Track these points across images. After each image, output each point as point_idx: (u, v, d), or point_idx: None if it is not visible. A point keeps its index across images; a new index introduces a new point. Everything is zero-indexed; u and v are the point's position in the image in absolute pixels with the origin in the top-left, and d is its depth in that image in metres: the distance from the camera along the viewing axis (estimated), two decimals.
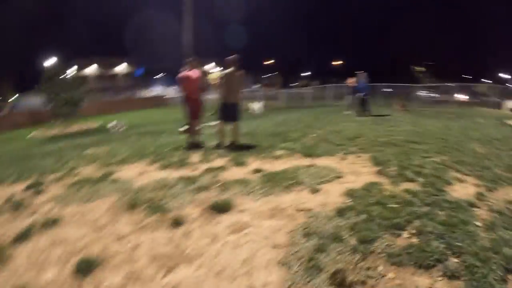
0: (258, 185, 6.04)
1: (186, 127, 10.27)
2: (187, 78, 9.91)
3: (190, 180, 6.48)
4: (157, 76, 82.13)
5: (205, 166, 7.63)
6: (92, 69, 73.42)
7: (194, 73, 9.98)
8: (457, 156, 8.59)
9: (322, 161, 7.80)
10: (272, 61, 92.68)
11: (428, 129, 13.02)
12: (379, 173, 6.89)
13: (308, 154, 8.45)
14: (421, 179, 6.38)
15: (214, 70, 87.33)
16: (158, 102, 55.38)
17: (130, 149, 10.21)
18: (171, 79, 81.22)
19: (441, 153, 8.88)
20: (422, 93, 39.02)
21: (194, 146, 9.68)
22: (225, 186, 6.09)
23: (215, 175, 6.83)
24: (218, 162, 7.94)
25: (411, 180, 6.35)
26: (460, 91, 36.47)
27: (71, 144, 14.85)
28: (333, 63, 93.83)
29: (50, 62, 43.53)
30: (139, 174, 7.26)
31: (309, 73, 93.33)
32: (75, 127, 30.44)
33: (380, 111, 20.58)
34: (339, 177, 6.57)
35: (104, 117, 40.84)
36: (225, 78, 9.52)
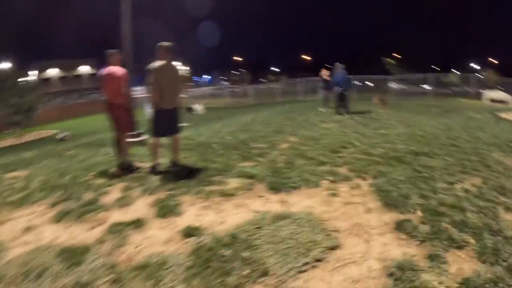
0: (182, 281, 3.09)
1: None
2: (109, 76, 6.94)
3: (74, 255, 3.65)
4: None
5: (115, 216, 4.72)
6: (54, 72, 68.79)
7: (117, 70, 6.98)
8: (490, 176, 5.99)
9: (300, 203, 4.83)
10: (240, 57, 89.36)
11: (428, 131, 10.33)
12: (399, 228, 3.99)
13: (278, 185, 5.47)
14: (473, 242, 3.70)
15: (181, 68, 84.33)
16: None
17: (46, 176, 7.11)
18: (138, 78, 78.18)
19: (467, 172, 6.24)
20: (394, 85, 37.06)
21: (125, 169, 6.83)
22: (122, 279, 3.17)
23: (117, 244, 3.88)
24: (138, 208, 4.97)
25: (459, 246, 3.61)
26: (431, 82, 34.38)
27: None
28: (303, 57, 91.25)
29: (3, 66, 40.15)
30: (23, 231, 4.45)
31: (278, 68, 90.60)
32: (30, 135, 27.35)
33: (358, 107, 17.84)
34: (334, 248, 3.58)
35: (64, 123, 38.01)
36: (155, 75, 6.51)
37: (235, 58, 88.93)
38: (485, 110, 18.89)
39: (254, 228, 3.96)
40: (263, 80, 75.13)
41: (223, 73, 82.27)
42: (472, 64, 65.74)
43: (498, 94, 27.81)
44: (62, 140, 19.94)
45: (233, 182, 5.74)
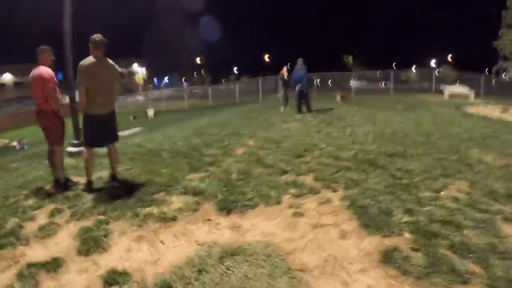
0: None
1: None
2: (36, 78, 5.70)
3: None
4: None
5: (33, 252, 3.69)
6: (7, 77, 65.08)
7: (44, 71, 5.73)
8: (477, 179, 5.27)
9: (257, 228, 3.82)
10: (202, 58, 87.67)
11: (397, 128, 9.58)
12: (386, 260, 3.08)
13: (229, 204, 4.42)
14: (481, 272, 2.90)
15: (139, 70, 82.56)
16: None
17: None
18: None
19: (450, 175, 5.46)
20: (354, 83, 36.81)
21: (60, 187, 5.70)
22: None
23: None
24: (60, 240, 3.93)
25: (465, 280, 2.79)
26: (390, 79, 34.32)
27: None
28: (264, 57, 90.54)
29: None
30: None
31: (240, 68, 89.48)
32: None
33: (320, 104, 17.04)
34: None
35: (21, 130, 35.73)
36: (83, 74, 5.38)
37: (196, 59, 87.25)
38: (449, 105, 18.51)
39: (194, 272, 2.91)
40: (225, 81, 73.94)
41: (184, 74, 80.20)
42: (432, 61, 66.81)
43: (459, 89, 27.71)
44: (21, 149, 18.90)
45: (177, 201, 4.69)
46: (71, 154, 8.08)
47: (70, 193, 5.37)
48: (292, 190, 4.80)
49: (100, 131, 5.66)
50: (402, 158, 6.24)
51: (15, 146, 20.63)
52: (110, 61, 5.72)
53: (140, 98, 47.60)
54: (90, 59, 5.39)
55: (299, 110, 13.77)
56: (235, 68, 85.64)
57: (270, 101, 23.37)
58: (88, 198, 5.12)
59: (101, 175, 6.05)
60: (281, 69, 17.05)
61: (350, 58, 72.15)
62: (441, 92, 28.52)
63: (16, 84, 65.68)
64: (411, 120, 11.19)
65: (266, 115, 14.17)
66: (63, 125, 5.99)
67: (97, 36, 5.47)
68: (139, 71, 78.23)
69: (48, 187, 5.70)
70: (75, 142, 8.44)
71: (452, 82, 33.36)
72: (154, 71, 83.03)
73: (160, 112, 30.97)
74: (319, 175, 5.40)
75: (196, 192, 4.93)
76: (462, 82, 30.46)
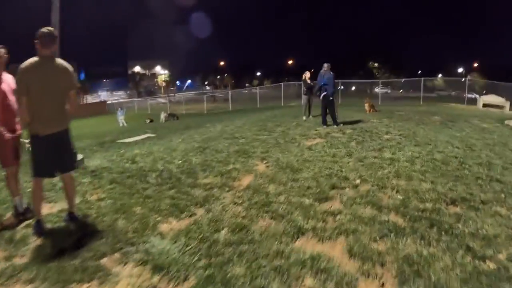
0: None
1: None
2: None
3: None
4: (104, 80, 74.62)
5: None
6: None
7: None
8: None
9: None
10: (225, 62, 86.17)
11: (447, 152, 7.45)
12: None
13: None
14: None
15: (162, 72, 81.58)
16: (99, 109, 48.34)
17: None
18: (116, 83, 75.80)
19: None
20: (379, 90, 34.51)
21: (19, 215, 4.52)
22: None
23: None
24: None
25: None
26: (418, 87, 32.00)
27: None
28: (288, 61, 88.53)
29: None
30: None
31: (263, 72, 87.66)
32: None
33: (346, 114, 14.99)
34: None
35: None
36: (21, 80, 3.90)
37: (219, 62, 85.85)
38: (487, 116, 16.15)
39: None
40: (248, 85, 72.34)
41: (206, 78, 79.01)
42: (459, 69, 63.91)
43: (494, 99, 25.18)
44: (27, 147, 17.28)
45: (124, 282, 2.87)
46: None
47: (19, 233, 4.11)
48: (310, 281, 2.83)
49: (48, 156, 4.02)
50: (473, 211, 4.20)
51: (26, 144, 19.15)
52: (62, 62, 3.98)
53: (162, 100, 46.16)
54: (33, 60, 3.81)
55: (324, 122, 11.72)
56: (258, 73, 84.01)
57: (292, 109, 21.39)
58: (31, 246, 3.79)
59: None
60: (304, 73, 15.09)
61: (375, 65, 69.41)
62: (473, 101, 26.14)
63: None
64: (458, 139, 9.03)
65: (285, 126, 12.22)
66: (8, 142, 4.30)
67: (46, 29, 3.80)
68: (162, 73, 77.22)
69: (8, 215, 4.60)
70: None
71: (481, 90, 31.02)
72: (177, 73, 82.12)
73: (180, 116, 29.31)
74: (354, 244, 3.41)
75: (158, 267, 3.09)
76: (493, 91, 27.83)
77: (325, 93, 11.68)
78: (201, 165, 7.00)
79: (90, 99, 64.60)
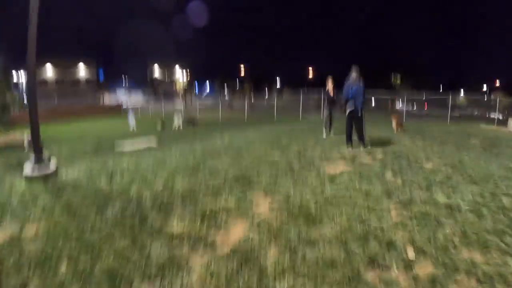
0: None
1: None
2: None
3: None
4: (123, 82, 73.72)
5: None
6: (49, 72, 64.30)
7: None
8: None
9: None
10: (245, 69, 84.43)
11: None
12: None
13: None
14: None
15: (181, 76, 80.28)
16: (115, 110, 47.05)
17: None
18: (133, 84, 74.94)
19: None
20: (402, 106, 32.22)
21: None
22: None
23: None
24: None
25: None
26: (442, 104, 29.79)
27: None
28: (308, 70, 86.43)
29: None
30: None
31: (282, 81, 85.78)
32: (2, 139, 23.73)
33: (372, 131, 12.95)
34: None
35: (42, 127, 33.82)
36: None
37: (239, 69, 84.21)
38: None
39: None
40: (266, 93, 70.51)
41: (226, 84, 77.46)
42: (483, 86, 61.07)
43: None
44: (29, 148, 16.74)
45: None
46: (30, 179, 6.34)
47: None
48: None
49: None
50: None
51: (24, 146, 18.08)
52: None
53: (179, 106, 44.58)
54: None
55: (349, 142, 9.66)
56: (277, 81, 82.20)
57: (311, 123, 19.41)
58: None
59: None
60: (326, 79, 13.01)
61: (399, 78, 66.42)
62: (500, 122, 23.84)
63: (58, 80, 65.00)
64: None
65: (302, 144, 10.28)
66: None
67: None
68: (180, 77, 75.93)
69: None
70: (34, 162, 6.69)
71: (504, 110, 28.82)
72: (196, 79, 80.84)
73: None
74: None
75: None
76: None
77: (352, 108, 9.53)
78: (183, 196, 5.14)
79: (108, 100, 63.59)
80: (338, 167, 7.04)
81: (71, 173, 7.20)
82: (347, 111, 9.68)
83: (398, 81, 65.28)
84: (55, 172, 6.91)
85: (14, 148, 18.55)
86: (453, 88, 56.30)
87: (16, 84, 67.63)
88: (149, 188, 5.59)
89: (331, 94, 12.50)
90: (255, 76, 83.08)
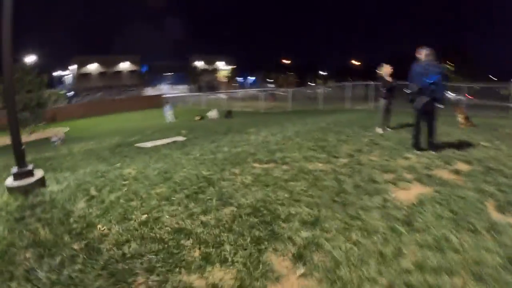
0: None
1: None
2: None
3: None
4: (166, 74, 72.94)
5: None
6: (93, 67, 64.49)
7: None
8: None
9: None
10: (289, 59, 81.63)
11: None
12: None
13: None
14: None
15: (224, 67, 78.60)
16: (158, 102, 46.08)
17: None
18: (177, 77, 73.97)
19: None
20: (450, 95, 28.54)
21: None
22: None
23: None
24: None
25: None
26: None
27: None
28: (352, 62, 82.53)
29: (29, 60, 35.87)
30: None
31: (327, 72, 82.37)
32: (39, 134, 23.81)
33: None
34: None
35: (83, 121, 33.65)
36: None
37: (283, 60, 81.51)
38: None
39: None
40: (311, 84, 67.65)
41: (270, 75, 75.16)
42: None
43: None
44: (54, 144, 16.78)
45: None
46: (11, 190, 5.47)
47: None
48: None
49: None
50: None
51: (54, 142, 17.43)
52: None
53: (221, 96, 42.87)
54: None
55: (417, 144, 7.16)
56: (321, 71, 78.89)
57: (359, 114, 16.88)
58: None
59: None
60: (380, 65, 10.58)
61: (450, 66, 61.11)
62: None
63: (100, 74, 65.10)
64: None
65: (353, 144, 8.05)
66: None
67: None
68: (223, 68, 74.27)
69: None
70: (18, 171, 5.77)
71: None
72: (240, 69, 78.96)
73: (234, 114, 25.56)
74: None
75: None
76: None
77: (427, 100, 6.79)
78: (156, 250, 3.19)
79: (151, 91, 63.01)
80: (410, 189, 4.74)
81: (61, 183, 6.10)
82: (420, 104, 6.93)
83: (449, 70, 60.10)
84: (40, 182, 5.87)
85: (45, 144, 17.61)
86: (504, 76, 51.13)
87: (60, 80, 68.94)
88: (125, 220, 3.86)
89: (390, 80, 10.10)
90: (299, 66, 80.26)
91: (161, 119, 25.72)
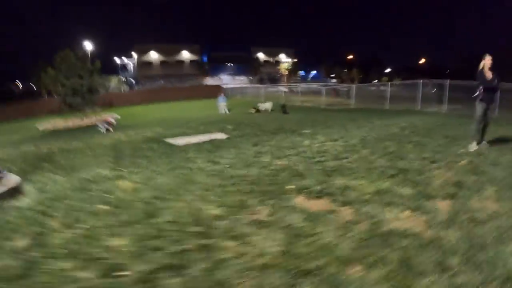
0: None
1: None
2: None
3: None
4: (228, 65, 71.39)
5: None
6: (155, 56, 64.26)
7: None
8: None
9: None
10: (353, 55, 77.10)
11: None
12: None
13: None
14: None
15: (285, 60, 75.70)
16: (217, 92, 44.83)
17: None
18: (238, 68, 72.22)
19: None
20: None
21: None
22: None
23: None
24: None
25: None
26: None
27: None
28: (420, 60, 76.53)
29: (88, 47, 35.72)
30: None
31: (391, 69, 76.96)
32: (90, 120, 23.09)
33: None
34: None
35: (138, 107, 32.94)
36: None
37: (347, 55, 77.22)
38: None
39: None
40: (376, 81, 63.36)
41: (332, 70, 71.57)
42: None
43: None
44: (107, 130, 15.92)
45: None
46: None
47: None
48: None
49: None
50: None
51: (100, 128, 16.35)
52: None
53: (282, 89, 40.44)
54: None
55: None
56: (387, 69, 73.76)
57: (436, 118, 13.77)
58: None
59: None
60: (481, 59, 7.58)
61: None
62: None
63: (161, 62, 64.75)
64: None
65: (445, 167, 5.49)
66: None
67: None
68: (285, 60, 71.45)
69: None
70: None
71: None
72: (302, 63, 75.77)
73: (292, 108, 23.17)
74: None
75: None
76: None
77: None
78: None
79: (211, 81, 61.74)
80: None
81: (44, 192, 4.90)
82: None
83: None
84: (12, 192, 4.62)
85: (94, 129, 16.63)
86: None
87: (124, 66, 69.63)
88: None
89: (490, 78, 7.25)
90: (363, 61, 75.66)
91: (215, 110, 23.95)
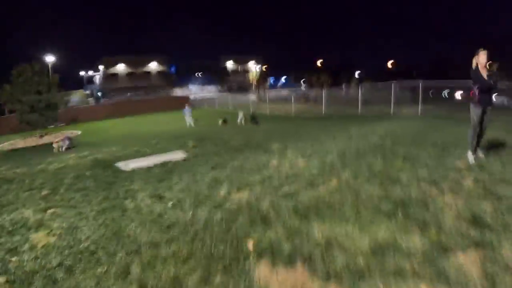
0: None
1: None
2: None
3: None
4: (197, 75, 69.60)
5: None
6: (121, 67, 61.84)
7: None
8: None
9: None
10: (322, 59, 76.60)
11: None
12: None
13: None
14: None
15: (254, 68, 74.37)
16: (185, 103, 43.22)
17: None
18: (207, 78, 70.50)
19: None
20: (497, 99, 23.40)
21: None
22: None
23: None
24: None
25: None
26: None
27: None
28: (388, 63, 76.77)
29: (49, 59, 33.55)
30: None
31: (360, 73, 76.83)
32: (50, 137, 21.41)
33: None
34: None
35: (101, 123, 30.95)
36: None
37: (316, 60, 76.67)
38: None
39: None
40: (346, 85, 62.99)
41: (302, 76, 70.80)
42: None
43: None
44: (66, 148, 14.54)
45: None
46: None
47: None
48: None
49: None
50: None
51: (54, 147, 14.61)
52: None
53: (251, 97, 39.19)
54: None
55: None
56: (356, 73, 73.45)
57: (416, 123, 12.58)
58: None
59: None
60: (476, 54, 6.21)
61: (495, 66, 54.79)
62: None
63: (128, 74, 62.50)
64: None
65: (451, 191, 4.20)
66: None
67: None
68: (254, 69, 70.12)
69: None
70: None
71: None
72: (270, 70, 74.64)
73: (261, 117, 21.80)
74: None
75: None
76: None
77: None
78: None
79: (180, 92, 59.69)
80: None
81: None
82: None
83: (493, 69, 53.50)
84: None
85: (47, 149, 15.10)
86: None
87: (90, 80, 67.06)
88: None
89: (485, 76, 6.02)
90: (332, 67, 75.27)
91: (182, 122, 22.33)
